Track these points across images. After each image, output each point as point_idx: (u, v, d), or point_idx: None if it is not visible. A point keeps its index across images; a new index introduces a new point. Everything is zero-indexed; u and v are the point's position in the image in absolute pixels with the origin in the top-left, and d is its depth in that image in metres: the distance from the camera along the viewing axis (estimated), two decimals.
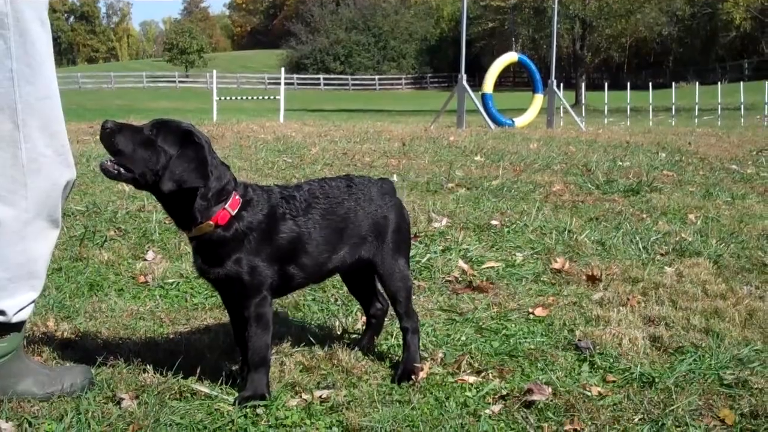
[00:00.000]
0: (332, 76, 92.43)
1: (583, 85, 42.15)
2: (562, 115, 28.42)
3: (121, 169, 3.01)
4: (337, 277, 4.81)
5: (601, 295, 4.58)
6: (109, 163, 3.01)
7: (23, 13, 2.91)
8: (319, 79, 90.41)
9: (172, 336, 3.88)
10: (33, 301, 3.11)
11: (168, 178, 2.98)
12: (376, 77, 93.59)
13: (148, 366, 3.37)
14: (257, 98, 33.71)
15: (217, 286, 3.31)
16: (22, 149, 2.94)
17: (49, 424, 2.90)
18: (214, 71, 29.27)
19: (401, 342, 3.53)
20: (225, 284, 3.21)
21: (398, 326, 3.58)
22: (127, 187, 7.60)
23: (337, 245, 3.34)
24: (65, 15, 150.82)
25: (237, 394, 3.15)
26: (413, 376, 3.33)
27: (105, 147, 3.02)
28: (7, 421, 2.90)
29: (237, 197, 3.14)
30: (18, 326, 3.09)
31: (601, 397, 3.20)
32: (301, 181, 3.51)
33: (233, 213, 3.12)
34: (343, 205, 3.36)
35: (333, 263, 3.37)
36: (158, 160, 2.99)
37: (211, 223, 3.09)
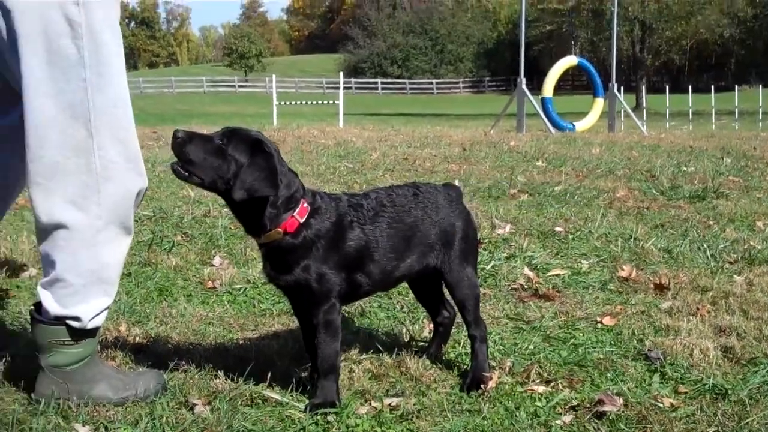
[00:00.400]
0: (390, 80, 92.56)
1: (643, 88, 41.63)
2: (622, 118, 28.15)
3: (193, 173, 3.05)
4: (404, 284, 4.84)
5: (669, 304, 4.53)
6: (179, 165, 3.05)
7: (96, 21, 2.97)
8: (376, 83, 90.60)
9: (241, 342, 3.92)
10: (107, 308, 3.17)
11: (239, 187, 3.01)
12: (434, 81, 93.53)
13: (219, 372, 3.41)
14: (317, 103, 33.92)
15: (287, 293, 3.33)
16: (96, 157, 3.00)
17: (124, 429, 2.95)
18: (274, 76, 29.51)
19: (469, 350, 3.53)
20: (294, 291, 3.23)
21: (465, 334, 3.58)
22: (193, 192, 7.71)
23: (404, 253, 3.35)
24: (126, 20, 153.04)
25: (307, 401, 3.17)
26: (482, 386, 3.32)
27: (177, 156, 3.05)
28: (83, 425, 2.96)
29: (305, 205, 3.16)
30: (92, 332, 3.15)
31: (673, 408, 3.16)
32: (368, 189, 3.53)
33: (301, 221, 3.13)
34: (410, 213, 3.37)
35: (400, 271, 3.37)
36: (229, 169, 3.02)
37: (279, 230, 3.11)
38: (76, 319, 3.07)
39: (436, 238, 3.40)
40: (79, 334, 3.11)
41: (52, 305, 3.06)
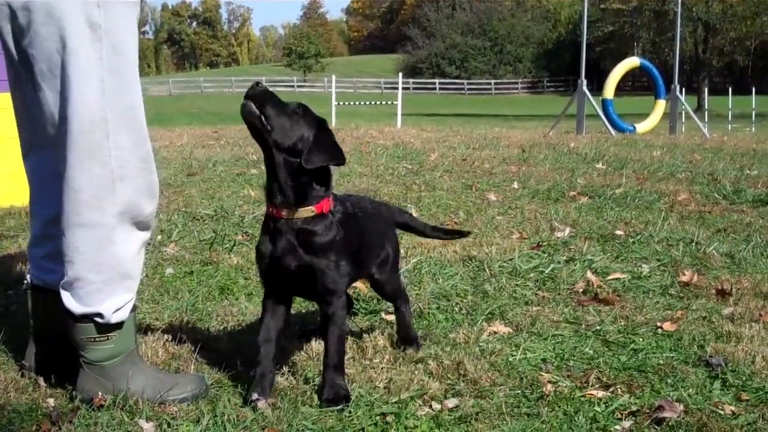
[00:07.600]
0: (448, 80, 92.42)
1: (705, 89, 40.99)
2: (683, 120, 27.80)
3: (263, 118, 3.07)
4: (464, 285, 4.86)
5: (731, 310, 4.47)
6: (254, 106, 3.08)
7: (116, 23, 3.03)
8: (434, 83, 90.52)
9: (303, 341, 3.96)
10: (129, 301, 3.22)
11: (315, 153, 3.10)
12: (492, 81, 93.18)
13: (283, 370, 3.46)
14: (375, 103, 34.04)
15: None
16: (111, 157, 3.06)
17: (186, 426, 2.99)
18: (333, 76, 29.59)
19: (530, 356, 3.53)
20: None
21: (523, 338, 3.57)
22: (254, 192, 7.80)
23: None
24: (188, 20, 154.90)
25: (371, 402, 3.19)
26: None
27: (254, 101, 3.07)
28: (147, 421, 3.02)
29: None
30: (119, 326, 3.20)
31: (734, 416, 3.13)
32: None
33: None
34: None
35: None
36: (296, 133, 3.10)
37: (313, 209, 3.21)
38: (99, 315, 3.13)
39: None
40: (106, 329, 3.17)
41: (74, 304, 3.13)
